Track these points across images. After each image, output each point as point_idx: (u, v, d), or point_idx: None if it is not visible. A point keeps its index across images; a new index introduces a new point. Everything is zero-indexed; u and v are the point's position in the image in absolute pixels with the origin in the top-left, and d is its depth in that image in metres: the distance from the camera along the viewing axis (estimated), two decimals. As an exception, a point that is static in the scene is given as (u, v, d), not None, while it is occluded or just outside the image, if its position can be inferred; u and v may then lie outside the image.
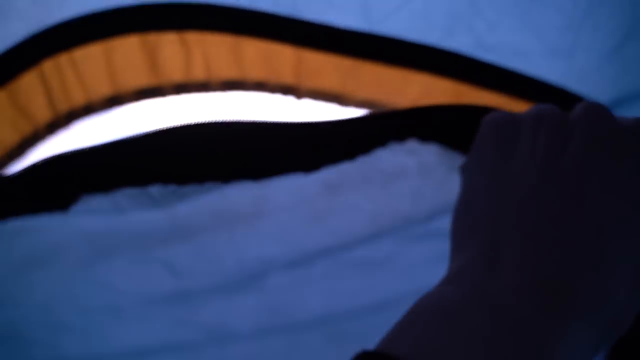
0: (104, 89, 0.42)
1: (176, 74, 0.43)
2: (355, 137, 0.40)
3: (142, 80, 0.43)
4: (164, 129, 0.38)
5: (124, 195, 0.41)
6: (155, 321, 0.51)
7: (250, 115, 0.42)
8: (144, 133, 0.38)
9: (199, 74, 0.44)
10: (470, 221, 0.30)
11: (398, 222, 0.48)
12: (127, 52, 0.42)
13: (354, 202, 0.46)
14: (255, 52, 0.43)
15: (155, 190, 0.41)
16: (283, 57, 0.44)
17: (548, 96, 0.45)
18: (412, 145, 0.41)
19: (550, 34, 0.43)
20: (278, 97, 0.46)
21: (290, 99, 0.46)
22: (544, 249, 0.27)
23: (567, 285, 0.26)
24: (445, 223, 0.47)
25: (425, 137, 0.41)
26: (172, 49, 0.42)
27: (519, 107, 0.46)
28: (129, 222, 0.43)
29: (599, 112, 0.29)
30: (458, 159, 0.41)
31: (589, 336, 0.26)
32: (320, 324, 0.54)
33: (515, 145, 0.31)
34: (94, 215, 0.42)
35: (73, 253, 0.45)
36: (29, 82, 0.41)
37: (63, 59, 0.41)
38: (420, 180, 0.44)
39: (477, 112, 0.38)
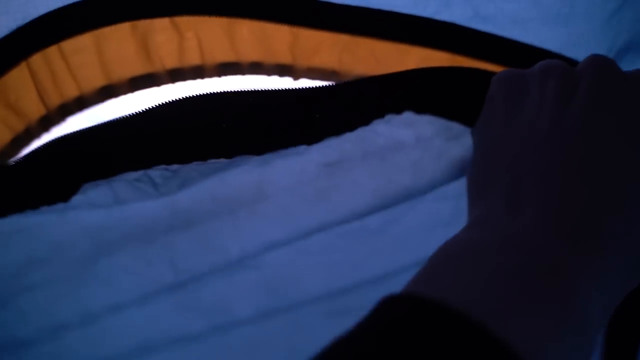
0: (96, 81, 0.41)
1: (170, 60, 0.42)
2: (353, 103, 0.40)
3: (136, 68, 0.41)
4: (161, 104, 0.37)
5: (125, 182, 0.40)
6: (156, 310, 0.50)
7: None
8: (138, 111, 0.36)
9: (193, 58, 0.42)
10: (486, 173, 0.31)
11: (400, 195, 0.48)
12: (119, 41, 0.40)
13: (355, 179, 0.45)
14: (250, 33, 0.42)
15: (156, 173, 0.40)
16: (279, 36, 0.42)
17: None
18: (408, 117, 0.41)
19: (548, 0, 0.42)
20: (275, 80, 0.45)
21: (287, 81, 0.45)
22: (564, 189, 0.27)
23: (591, 223, 0.26)
24: (440, 189, 0.47)
25: (420, 108, 0.40)
26: (164, 34, 0.41)
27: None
28: (130, 214, 0.42)
29: (604, 62, 0.30)
30: (455, 129, 0.41)
31: (614, 275, 0.26)
32: (320, 301, 0.55)
33: (525, 96, 0.31)
34: (93, 209, 0.41)
35: (74, 250, 0.44)
36: (17, 78, 0.39)
37: (52, 51, 0.39)
38: (419, 152, 0.44)
39: (469, 76, 0.38)
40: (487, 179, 0.30)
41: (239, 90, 0.37)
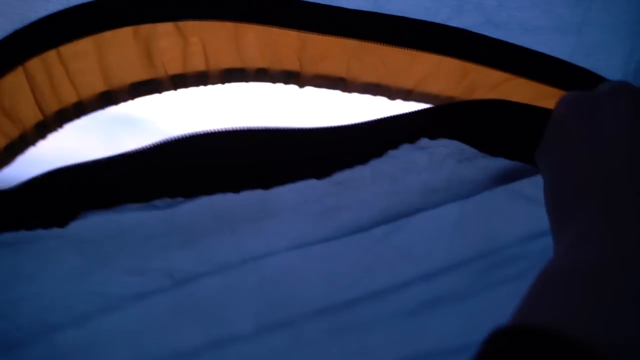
0: (96, 86, 0.39)
1: (173, 66, 0.40)
2: (367, 143, 0.39)
3: (137, 74, 0.40)
4: (171, 139, 0.36)
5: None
6: (151, 312, 0.48)
7: (252, 106, 0.40)
8: (149, 145, 0.36)
9: (197, 64, 0.41)
10: (571, 194, 0.31)
11: (407, 213, 0.47)
12: (120, 46, 0.38)
13: (364, 197, 0.44)
14: (256, 38, 0.41)
15: (159, 202, 0.39)
16: (286, 41, 0.41)
17: (557, 71, 0.44)
18: (423, 141, 0.41)
19: (560, 9, 0.42)
20: (280, 87, 0.43)
21: (292, 88, 0.44)
22: None
23: None
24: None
25: (435, 136, 0.40)
26: (168, 39, 0.39)
27: (527, 84, 0.45)
28: (125, 226, 0.41)
29: None
30: (468, 151, 0.41)
31: None
32: (321, 315, 0.53)
33: (598, 118, 0.32)
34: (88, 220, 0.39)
35: (63, 265, 0.42)
36: (13, 83, 0.38)
37: (50, 56, 0.37)
38: (430, 173, 0.43)
39: (484, 107, 0.38)
40: (574, 201, 0.31)
41: (248, 128, 0.36)
